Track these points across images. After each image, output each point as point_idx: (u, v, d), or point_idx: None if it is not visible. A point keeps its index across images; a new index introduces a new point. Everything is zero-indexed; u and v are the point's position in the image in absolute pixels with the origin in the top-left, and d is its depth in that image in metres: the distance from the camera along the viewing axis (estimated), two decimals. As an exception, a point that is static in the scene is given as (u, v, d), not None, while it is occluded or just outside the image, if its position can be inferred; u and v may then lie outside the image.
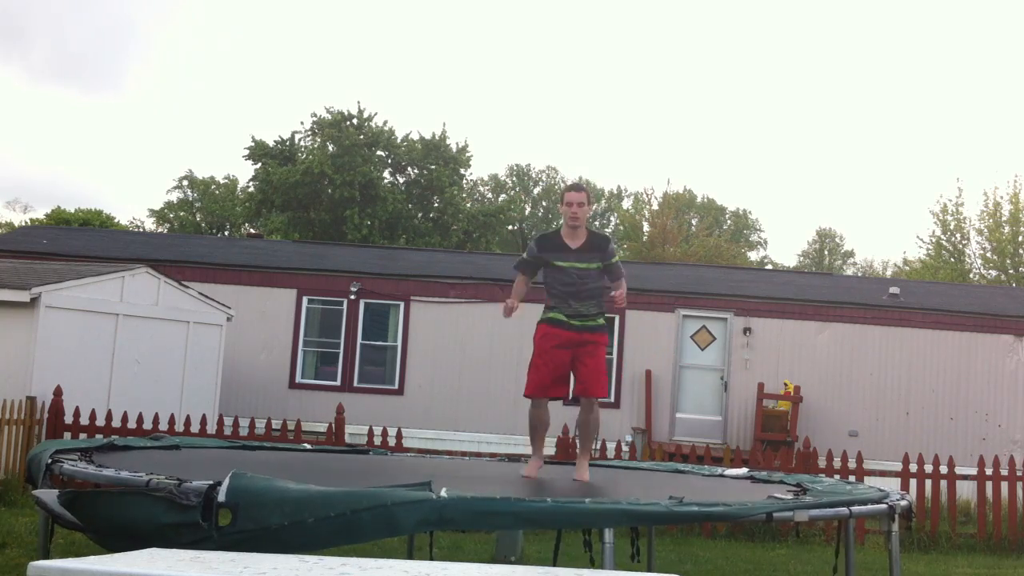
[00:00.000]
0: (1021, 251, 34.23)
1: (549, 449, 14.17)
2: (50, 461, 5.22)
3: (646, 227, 46.98)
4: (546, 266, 6.80)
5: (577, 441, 7.30)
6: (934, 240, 35.76)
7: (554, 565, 7.48)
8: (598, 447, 15.48)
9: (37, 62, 79.32)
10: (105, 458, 5.83)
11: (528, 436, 6.92)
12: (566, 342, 6.62)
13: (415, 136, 38.54)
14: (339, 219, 35.73)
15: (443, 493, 4.32)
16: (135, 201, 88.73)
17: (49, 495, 4.96)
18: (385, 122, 39.61)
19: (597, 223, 59.71)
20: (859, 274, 52.91)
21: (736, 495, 5.44)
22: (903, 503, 5.53)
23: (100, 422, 12.10)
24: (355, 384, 18.61)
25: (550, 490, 6.19)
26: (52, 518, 4.98)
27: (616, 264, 6.87)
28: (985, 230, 34.53)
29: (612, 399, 18.21)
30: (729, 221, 57.88)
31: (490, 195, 54.54)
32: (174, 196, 49.96)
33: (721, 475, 7.42)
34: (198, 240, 26.39)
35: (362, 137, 36.82)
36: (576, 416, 6.94)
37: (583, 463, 6.74)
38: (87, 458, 5.59)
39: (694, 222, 52.57)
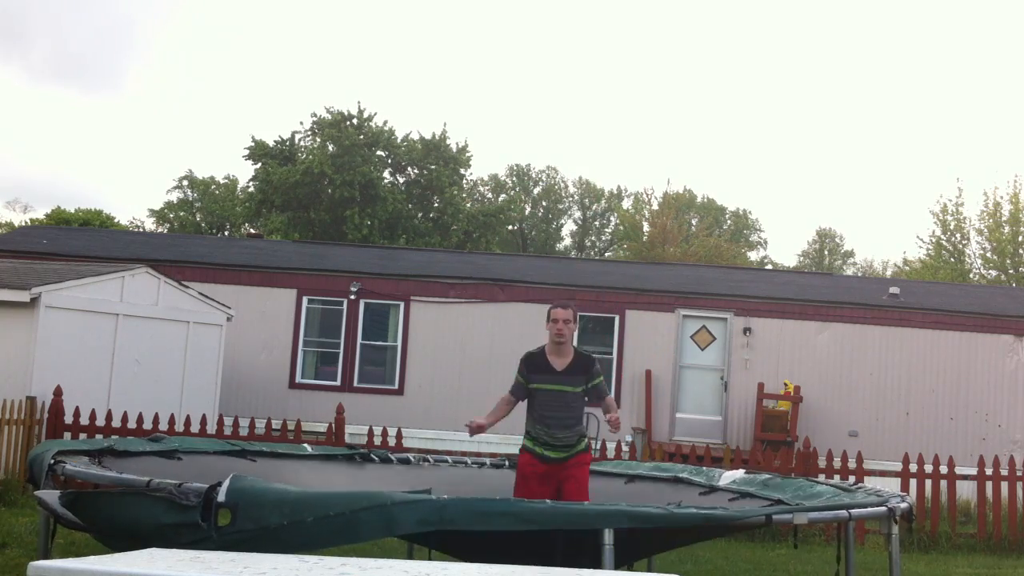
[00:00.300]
0: (1021, 251, 34.23)
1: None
2: (52, 462, 5.22)
3: (646, 227, 47.00)
4: (530, 390, 6.82)
5: None
6: (934, 240, 35.78)
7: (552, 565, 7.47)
8: (598, 447, 15.49)
9: (37, 62, 79.38)
10: (106, 458, 5.83)
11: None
12: (549, 475, 6.67)
13: (415, 136, 38.60)
14: (339, 219, 35.74)
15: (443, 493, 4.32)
16: (135, 201, 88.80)
17: (51, 495, 4.96)
18: (385, 122, 39.68)
19: (597, 223, 59.76)
20: (859, 274, 52.92)
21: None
22: (903, 505, 5.53)
23: (100, 422, 12.10)
24: (355, 384, 18.62)
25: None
26: (54, 518, 4.99)
27: (600, 385, 6.91)
28: (985, 230, 34.55)
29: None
30: (729, 221, 57.89)
31: (490, 195, 54.54)
32: (174, 196, 50.01)
33: (717, 485, 7.39)
34: (198, 240, 26.39)
35: (362, 137, 36.83)
36: None
37: None
38: (88, 458, 5.60)
39: (694, 222, 52.58)
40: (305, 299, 18.84)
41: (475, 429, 6.74)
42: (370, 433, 12.24)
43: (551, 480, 6.65)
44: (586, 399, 6.89)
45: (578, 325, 6.90)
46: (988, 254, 34.90)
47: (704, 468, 8.12)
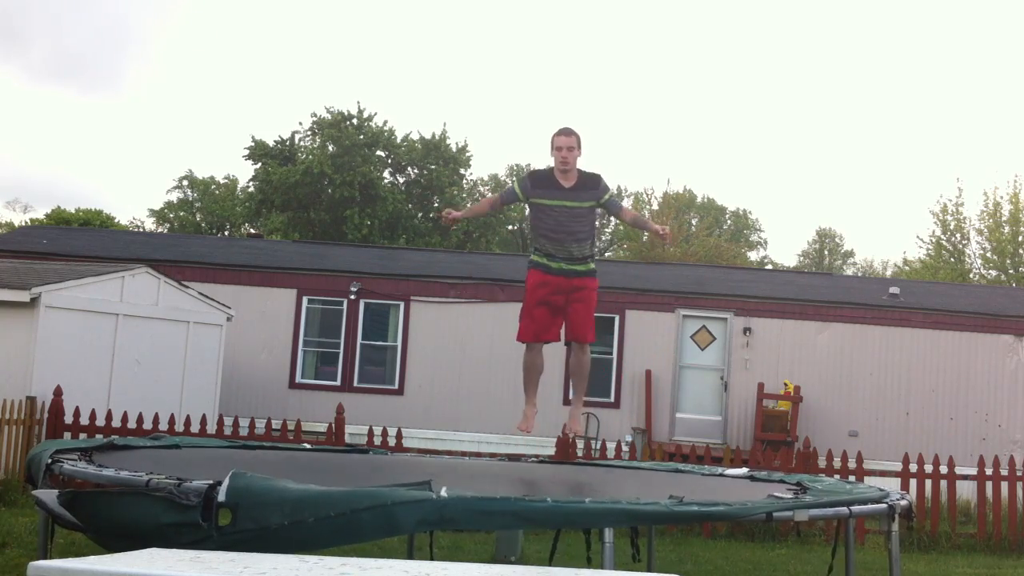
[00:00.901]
0: (1021, 251, 34.23)
1: (548, 449, 14.17)
2: (50, 461, 5.22)
3: (646, 227, 46.93)
4: (535, 206, 6.77)
5: (571, 386, 7.39)
6: (934, 240, 35.78)
7: (550, 565, 7.48)
8: (598, 447, 15.51)
9: (37, 62, 79.37)
10: (105, 458, 5.83)
11: (523, 383, 6.97)
12: (559, 288, 6.67)
13: (415, 136, 38.58)
14: (339, 219, 35.75)
15: (443, 493, 4.32)
16: (135, 201, 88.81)
17: (49, 495, 4.96)
18: (385, 122, 39.67)
19: (597, 223, 59.74)
20: (859, 274, 52.93)
21: (736, 495, 5.44)
22: (903, 503, 5.53)
23: (100, 422, 12.11)
24: (355, 384, 18.62)
25: (550, 489, 6.18)
26: (52, 518, 4.98)
27: (612, 199, 6.91)
28: (985, 230, 34.55)
29: (612, 399, 18.22)
30: (729, 221, 57.88)
31: (490, 195, 54.56)
32: (174, 196, 49.99)
33: (721, 475, 7.42)
34: (198, 240, 26.40)
35: (362, 137, 36.83)
36: (569, 370, 7.09)
37: (576, 410, 6.85)
38: (87, 458, 5.59)
39: (694, 222, 52.56)
40: (305, 299, 18.84)
41: (449, 219, 6.77)
42: (370, 433, 12.24)
43: (559, 293, 6.66)
44: (600, 215, 6.91)
45: (582, 153, 6.81)
46: (988, 254, 34.91)
47: (707, 467, 8.12)
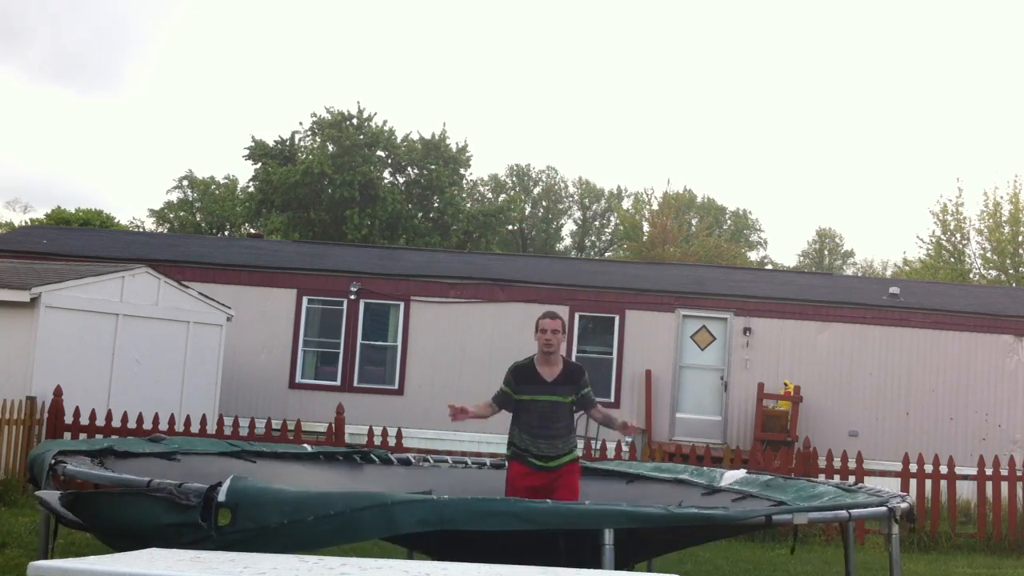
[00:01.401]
0: (1021, 251, 34.23)
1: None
2: (53, 462, 5.22)
3: (646, 227, 46.98)
4: (519, 401, 6.72)
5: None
6: (934, 240, 35.77)
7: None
8: (598, 447, 15.50)
9: (36, 62, 79.36)
10: (106, 459, 5.83)
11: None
12: (540, 485, 6.54)
13: (415, 136, 38.57)
14: (339, 219, 35.74)
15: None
16: (135, 201, 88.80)
17: (52, 496, 4.96)
18: (385, 122, 39.66)
19: (597, 223, 59.74)
20: (859, 274, 52.92)
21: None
22: (903, 506, 5.53)
23: (100, 422, 12.11)
24: (355, 384, 18.61)
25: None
26: (56, 518, 4.98)
27: (588, 394, 6.82)
28: (985, 230, 34.54)
29: (612, 399, 18.22)
30: (729, 221, 57.88)
31: (490, 195, 54.53)
32: (174, 196, 50.00)
33: (719, 486, 7.37)
34: (198, 240, 26.39)
35: (362, 137, 36.83)
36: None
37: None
38: (89, 459, 5.59)
39: (694, 222, 52.55)
40: (305, 299, 18.84)
41: (459, 411, 6.68)
42: (370, 433, 12.24)
43: (541, 490, 6.50)
44: (575, 409, 6.81)
45: (566, 334, 6.84)
46: (988, 254, 34.90)
47: (705, 469, 8.12)
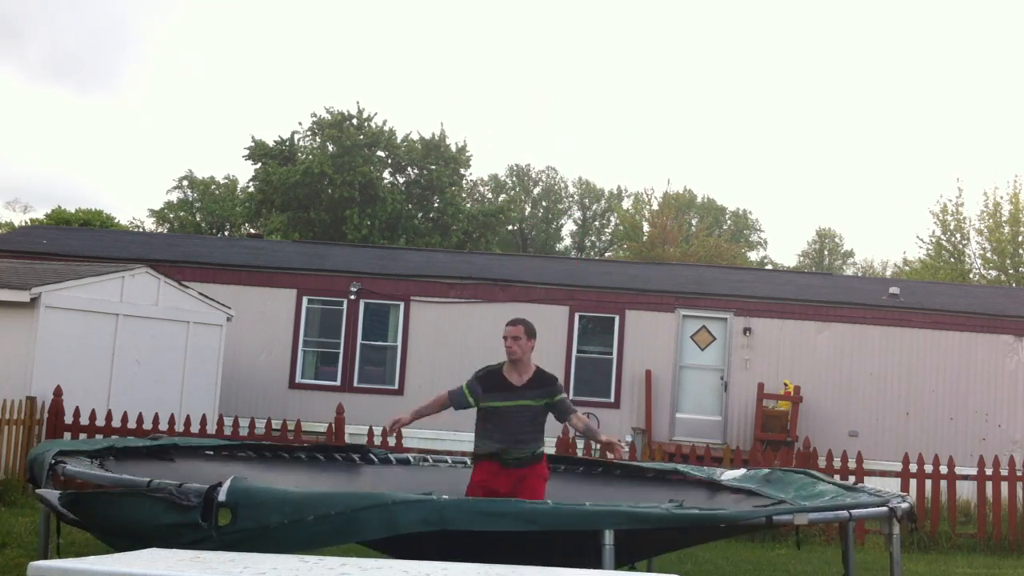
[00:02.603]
0: (1021, 251, 34.21)
1: (548, 449, 14.15)
2: (53, 462, 5.22)
3: (646, 227, 46.97)
4: (484, 408, 6.60)
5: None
6: (934, 240, 35.75)
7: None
8: (598, 448, 15.48)
9: (36, 61, 79.33)
10: (106, 459, 5.83)
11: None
12: (503, 491, 6.37)
13: (415, 136, 38.57)
14: (339, 219, 35.73)
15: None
16: (135, 201, 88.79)
17: (52, 495, 4.96)
18: (385, 122, 39.66)
19: (597, 223, 59.73)
20: (859, 274, 52.91)
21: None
22: (904, 506, 5.52)
23: (100, 422, 12.10)
24: (355, 384, 18.61)
25: (550, 491, 6.18)
26: (58, 516, 4.98)
27: (562, 401, 6.66)
28: (985, 230, 34.52)
29: (612, 399, 18.23)
30: (729, 221, 57.89)
31: (490, 195, 54.52)
32: (174, 196, 50.01)
33: (719, 481, 7.38)
34: (198, 240, 26.38)
35: (362, 137, 36.81)
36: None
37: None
38: (89, 459, 5.59)
39: (694, 222, 52.56)
40: (305, 299, 18.84)
41: (394, 425, 6.67)
42: (370, 433, 12.23)
43: (505, 485, 6.42)
44: (548, 415, 6.67)
45: (534, 340, 6.65)
46: (988, 254, 34.88)
47: (706, 468, 8.11)
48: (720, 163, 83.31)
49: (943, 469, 11.97)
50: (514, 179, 58.79)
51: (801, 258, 59.46)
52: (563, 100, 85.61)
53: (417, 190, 38.32)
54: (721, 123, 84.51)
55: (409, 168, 38.63)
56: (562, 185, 59.70)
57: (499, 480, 6.42)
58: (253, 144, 37.25)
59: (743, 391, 18.24)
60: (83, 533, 5.68)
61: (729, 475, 7.42)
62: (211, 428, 12.41)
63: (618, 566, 4.50)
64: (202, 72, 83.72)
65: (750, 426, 17.97)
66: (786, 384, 17.94)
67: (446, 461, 8.49)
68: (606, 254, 56.15)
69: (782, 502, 6.48)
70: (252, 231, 36.07)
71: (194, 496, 4.25)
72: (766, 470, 7.45)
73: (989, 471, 12.17)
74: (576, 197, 59.71)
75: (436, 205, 38.46)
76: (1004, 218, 34.18)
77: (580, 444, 13.97)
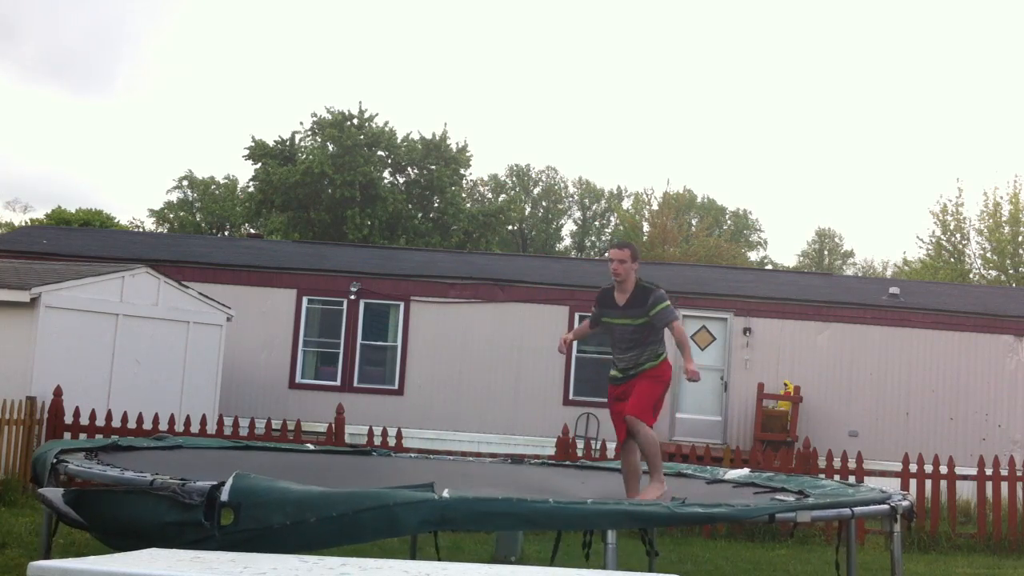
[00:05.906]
0: (1021, 251, 34.21)
1: (548, 449, 14.15)
2: (55, 461, 5.22)
3: (646, 227, 46.96)
4: (604, 323, 7.26)
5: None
6: (934, 240, 35.74)
7: (552, 565, 7.48)
8: (598, 448, 15.49)
9: (34, 61, 79.30)
10: (109, 458, 5.83)
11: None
12: (618, 394, 7.10)
13: (415, 136, 38.55)
14: (339, 219, 35.72)
15: (445, 494, 4.31)
16: (135, 201, 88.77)
17: (54, 494, 4.96)
18: (386, 122, 39.60)
19: (597, 223, 59.73)
20: (859, 274, 52.91)
21: (737, 497, 5.43)
22: (904, 503, 5.53)
23: (100, 422, 12.10)
24: (355, 384, 18.60)
25: (551, 491, 6.18)
26: (58, 516, 4.98)
27: (659, 313, 6.97)
28: (985, 230, 34.52)
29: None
30: (729, 221, 57.88)
31: (490, 195, 54.52)
32: (174, 196, 49.98)
33: (721, 479, 7.39)
34: (198, 240, 26.38)
35: (362, 137, 36.80)
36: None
37: (648, 487, 6.77)
38: (92, 458, 5.59)
39: (694, 222, 52.53)
40: (305, 299, 18.83)
41: (562, 344, 7.44)
42: (370, 433, 12.24)
43: (621, 397, 7.05)
44: (655, 327, 7.03)
45: (639, 264, 7.17)
46: (988, 254, 34.87)
47: (708, 468, 8.12)
48: (720, 163, 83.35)
49: (943, 469, 11.97)
50: (514, 179, 58.78)
51: (801, 258, 59.46)
52: (563, 100, 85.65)
53: (417, 190, 38.31)
54: (721, 123, 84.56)
55: (409, 168, 38.61)
56: (562, 185, 59.71)
57: (619, 388, 7.09)
58: (253, 144, 37.23)
59: (743, 391, 18.23)
60: (83, 533, 5.68)
61: (733, 474, 7.42)
62: (211, 428, 12.41)
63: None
64: (202, 72, 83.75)
65: (750, 426, 17.97)
66: (786, 384, 17.94)
67: (448, 461, 8.49)
68: (606, 254, 56.12)
69: (783, 489, 6.50)
70: (252, 231, 36.06)
71: (197, 495, 4.25)
72: (769, 473, 7.45)
73: (989, 471, 12.17)
74: (576, 197, 59.71)
75: (436, 205, 38.45)
76: (1004, 218, 34.17)
77: (580, 444, 13.97)
